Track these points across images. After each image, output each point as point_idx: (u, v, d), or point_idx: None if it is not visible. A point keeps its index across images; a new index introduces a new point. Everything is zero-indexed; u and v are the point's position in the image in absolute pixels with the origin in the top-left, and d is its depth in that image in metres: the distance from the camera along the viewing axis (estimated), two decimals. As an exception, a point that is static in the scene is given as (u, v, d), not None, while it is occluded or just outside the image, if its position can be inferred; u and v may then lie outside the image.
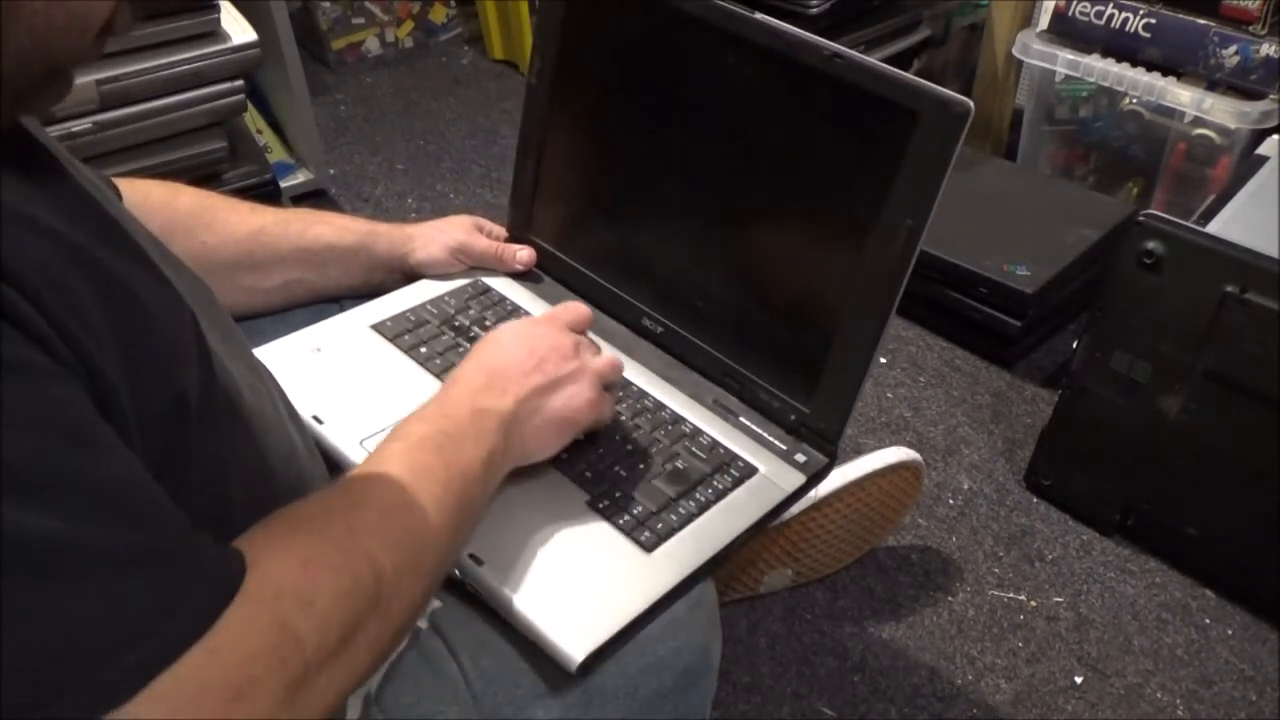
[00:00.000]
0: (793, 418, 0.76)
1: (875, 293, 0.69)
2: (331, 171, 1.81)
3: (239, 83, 1.38)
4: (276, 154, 1.73)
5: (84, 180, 0.47)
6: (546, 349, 0.66)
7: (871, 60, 0.66)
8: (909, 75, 0.65)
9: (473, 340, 0.82)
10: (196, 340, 0.48)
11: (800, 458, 0.75)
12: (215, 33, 1.34)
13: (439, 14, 2.25)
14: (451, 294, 0.87)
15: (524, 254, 0.90)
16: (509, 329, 0.69)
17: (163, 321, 0.45)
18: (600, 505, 0.68)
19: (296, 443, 0.60)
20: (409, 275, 0.88)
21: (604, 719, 0.58)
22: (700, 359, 0.81)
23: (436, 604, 0.66)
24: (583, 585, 0.63)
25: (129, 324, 0.42)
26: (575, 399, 0.66)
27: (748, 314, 0.79)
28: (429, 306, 0.85)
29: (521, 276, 0.91)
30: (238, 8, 1.41)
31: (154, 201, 0.75)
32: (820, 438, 0.75)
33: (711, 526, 0.69)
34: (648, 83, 0.81)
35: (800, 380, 0.75)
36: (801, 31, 0.69)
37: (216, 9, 1.34)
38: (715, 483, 0.72)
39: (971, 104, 0.62)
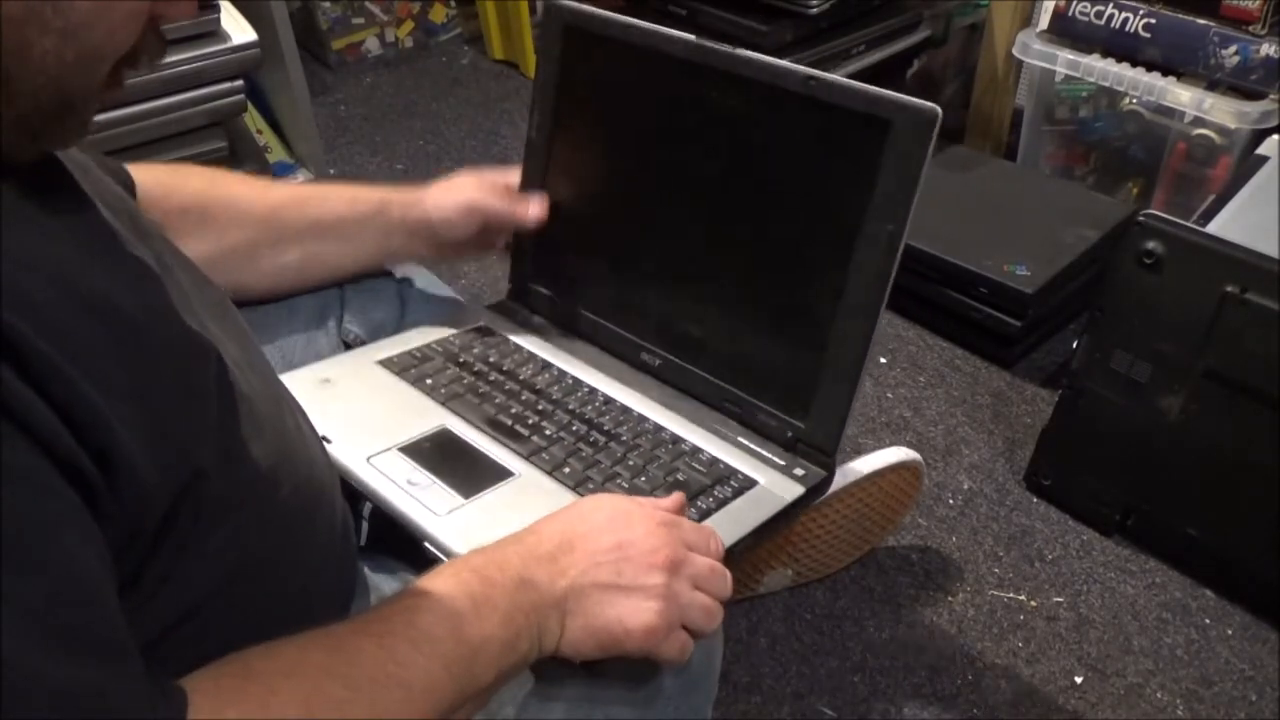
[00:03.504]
0: (789, 434, 0.77)
1: (862, 301, 0.72)
2: (331, 171, 1.81)
3: (239, 83, 1.38)
4: (276, 154, 1.73)
5: (106, 208, 0.47)
6: (641, 547, 0.57)
7: (843, 79, 0.71)
8: (878, 89, 0.69)
9: (477, 375, 0.83)
10: (219, 381, 0.47)
11: (799, 472, 0.76)
12: (215, 33, 1.34)
13: (439, 14, 2.25)
14: (457, 335, 0.88)
15: (535, 208, 0.87)
16: (617, 502, 0.61)
17: (185, 367, 0.45)
18: None
19: (314, 456, 0.59)
20: (426, 242, 0.86)
21: (606, 720, 0.58)
22: (698, 386, 0.83)
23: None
24: None
25: (149, 375, 0.41)
26: (636, 615, 0.55)
27: (741, 337, 0.81)
28: (435, 345, 0.86)
29: (524, 320, 0.92)
30: (238, 8, 1.41)
31: (165, 186, 0.75)
32: (817, 451, 0.77)
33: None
34: (639, 126, 0.84)
35: (795, 396, 0.77)
36: (777, 60, 0.73)
37: (216, 9, 1.34)
38: (716, 493, 0.73)
39: (939, 109, 0.66)
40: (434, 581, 0.53)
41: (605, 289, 0.89)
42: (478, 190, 0.86)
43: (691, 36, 0.77)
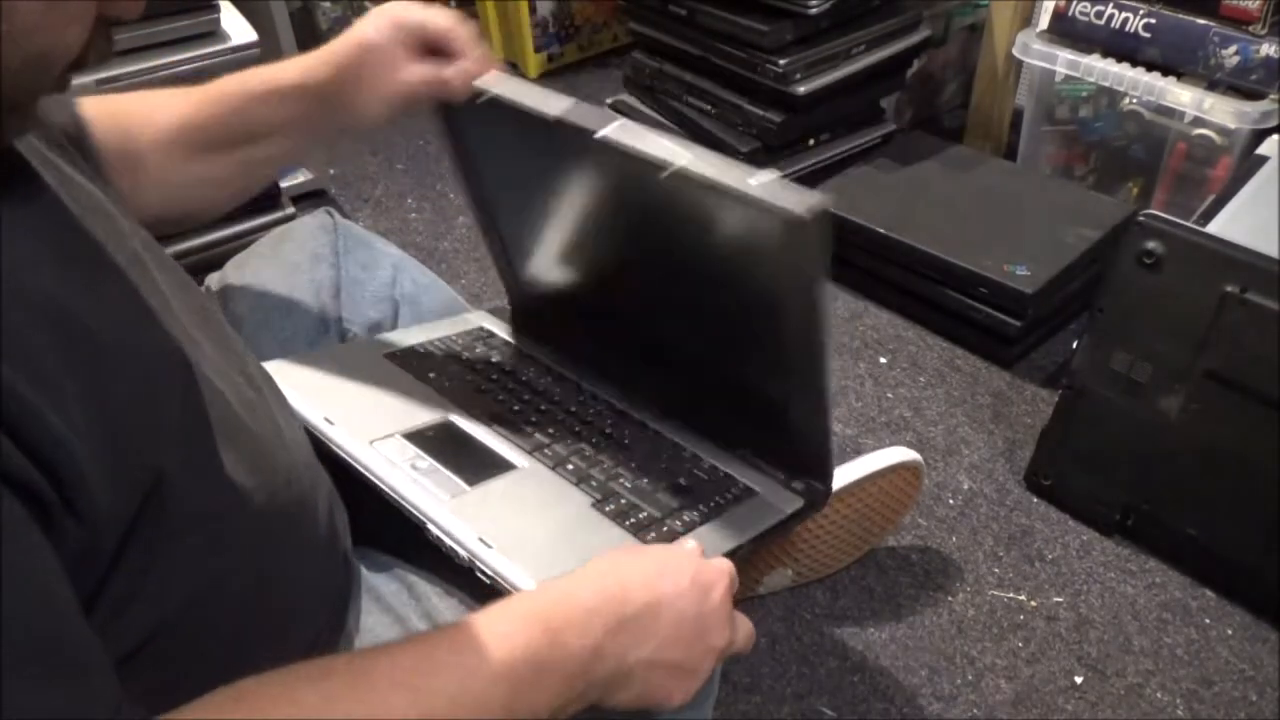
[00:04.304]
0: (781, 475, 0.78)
1: (806, 365, 0.69)
2: (331, 171, 1.81)
3: (239, 83, 1.37)
4: (276, 154, 1.73)
5: (67, 197, 0.46)
6: (711, 626, 0.56)
7: (704, 172, 0.60)
8: (735, 183, 0.58)
9: (479, 373, 0.83)
10: (185, 387, 0.46)
11: (798, 485, 0.76)
12: (215, 33, 1.34)
13: (439, 14, 2.25)
14: (459, 336, 0.89)
15: (469, 72, 0.74)
16: (696, 561, 0.58)
17: (144, 373, 0.44)
18: (607, 509, 0.69)
19: (296, 460, 0.58)
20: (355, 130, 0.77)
21: (606, 721, 0.58)
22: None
23: (439, 600, 0.66)
24: None
25: (103, 381, 0.40)
26: (683, 692, 0.55)
27: (708, 399, 0.80)
28: (437, 342, 0.87)
29: (523, 340, 0.92)
30: (238, 8, 1.41)
31: (98, 119, 0.68)
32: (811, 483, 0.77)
33: (714, 535, 0.69)
34: (559, 201, 0.78)
35: (773, 450, 0.77)
36: (635, 147, 0.63)
37: (216, 9, 1.34)
38: (717, 498, 0.73)
39: (806, 213, 0.55)
40: (498, 628, 0.48)
41: (583, 345, 0.88)
42: (410, 77, 0.74)
43: (551, 115, 0.66)
